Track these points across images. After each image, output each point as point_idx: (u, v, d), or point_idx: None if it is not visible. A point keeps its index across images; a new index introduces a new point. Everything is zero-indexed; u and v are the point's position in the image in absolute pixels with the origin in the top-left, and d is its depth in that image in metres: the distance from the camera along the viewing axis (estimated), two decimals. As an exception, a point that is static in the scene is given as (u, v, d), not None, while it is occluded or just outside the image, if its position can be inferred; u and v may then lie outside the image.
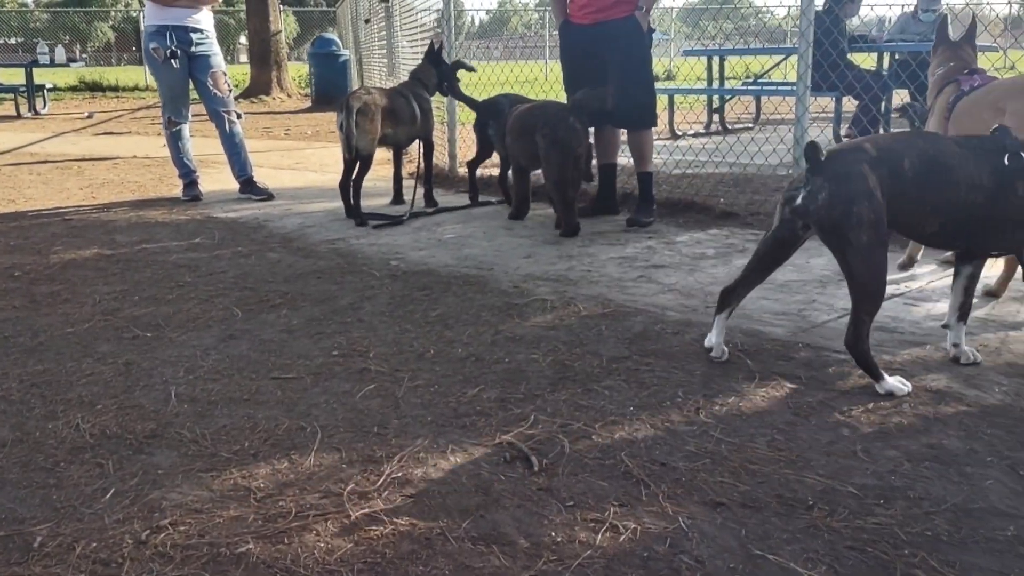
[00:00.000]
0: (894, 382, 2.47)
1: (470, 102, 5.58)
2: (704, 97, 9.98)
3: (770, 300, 3.39)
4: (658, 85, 11.50)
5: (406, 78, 5.77)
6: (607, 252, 4.23)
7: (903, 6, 9.44)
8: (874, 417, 2.33)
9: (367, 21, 11.37)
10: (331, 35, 16.89)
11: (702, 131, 9.60)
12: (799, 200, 2.50)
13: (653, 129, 4.91)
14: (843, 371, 2.65)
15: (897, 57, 8.16)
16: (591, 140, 5.07)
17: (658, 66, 19.87)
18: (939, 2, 8.75)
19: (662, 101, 8.78)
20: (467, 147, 7.62)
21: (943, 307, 3.16)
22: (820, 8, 7.65)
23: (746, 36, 12.62)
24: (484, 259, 4.16)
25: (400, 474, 2.10)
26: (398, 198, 5.76)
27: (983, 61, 6.15)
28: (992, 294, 3.33)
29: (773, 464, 2.10)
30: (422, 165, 5.73)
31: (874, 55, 8.79)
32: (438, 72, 5.61)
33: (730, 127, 9.78)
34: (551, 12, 5.34)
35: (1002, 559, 1.70)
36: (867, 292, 2.48)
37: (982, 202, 2.49)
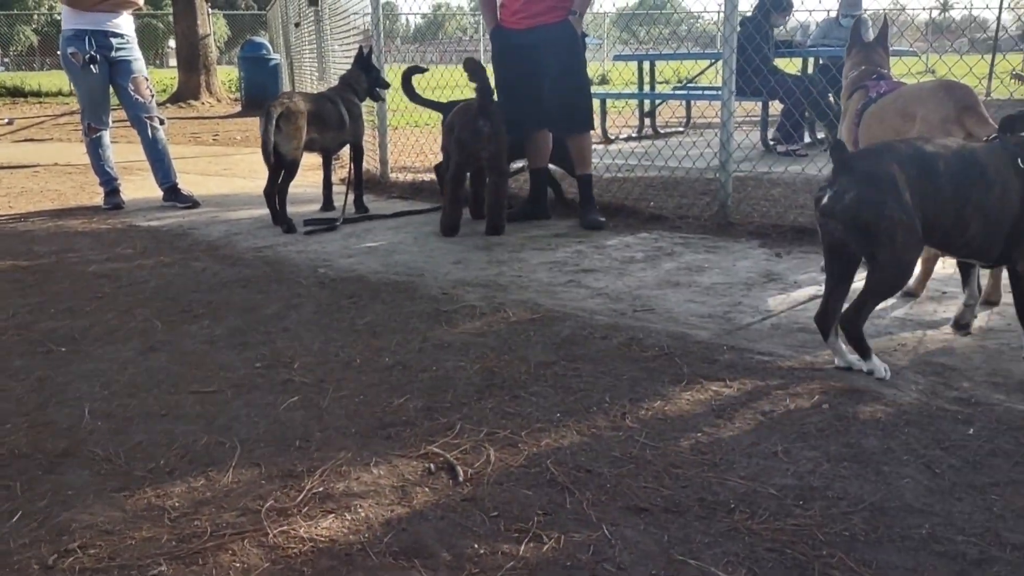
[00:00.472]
0: (878, 362, 2.55)
1: (435, 105, 5.48)
2: (636, 101, 10.07)
3: (696, 303, 3.42)
4: (591, 90, 11.58)
5: (336, 82, 5.70)
6: (537, 257, 4.23)
7: (827, 11, 9.67)
8: (795, 418, 2.36)
9: (297, 25, 11.22)
10: (261, 39, 16.62)
11: (634, 135, 9.69)
12: (825, 200, 2.52)
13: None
14: (766, 373, 2.68)
15: (821, 61, 8.34)
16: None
17: (592, 71, 20.06)
18: (860, 7, 8.98)
19: (595, 106, 8.85)
20: (398, 152, 7.58)
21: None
22: (747, 15, 7.81)
23: (677, 41, 12.79)
24: (414, 265, 4.13)
25: (321, 489, 2.05)
26: (328, 204, 5.69)
27: (903, 66, 6.34)
28: (910, 293, 3.41)
29: (696, 467, 2.11)
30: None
31: (800, 60, 8.97)
32: (368, 77, 5.55)
33: (661, 131, 9.89)
34: (482, 17, 5.32)
35: (916, 557, 1.73)
36: (886, 286, 2.56)
37: (1018, 205, 2.53)
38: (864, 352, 2.58)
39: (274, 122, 4.83)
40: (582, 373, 2.72)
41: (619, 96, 9.86)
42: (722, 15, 4.74)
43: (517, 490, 2.03)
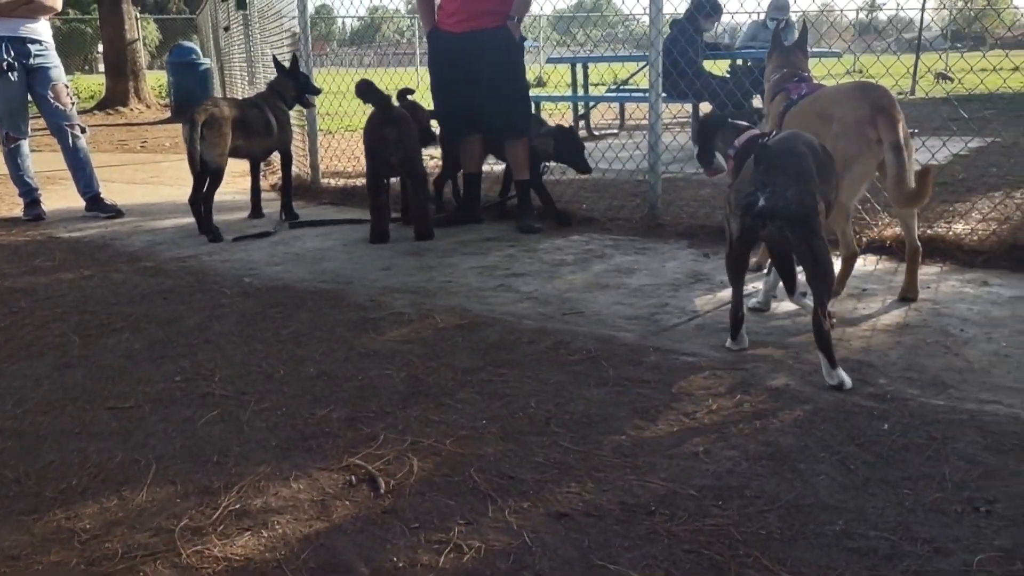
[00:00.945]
0: (843, 373, 2.57)
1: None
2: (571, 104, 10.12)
3: (624, 305, 3.44)
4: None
5: (264, 89, 5.61)
6: (468, 262, 4.22)
7: (751, 14, 9.84)
8: (716, 418, 2.39)
9: (226, 29, 11.03)
10: (190, 43, 16.30)
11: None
12: (762, 203, 2.56)
13: None
14: (690, 373, 2.71)
15: (748, 63, 8.48)
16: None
17: (529, 73, 20.11)
18: (786, 11, 9.16)
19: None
20: (332, 157, 7.50)
21: (787, 307, 3.29)
22: (676, 18, 7.90)
23: (614, 43, 12.89)
24: (342, 272, 4.08)
25: (238, 505, 2.01)
26: (256, 211, 5.59)
27: (823, 67, 6.47)
28: (905, 298, 3.49)
29: (618, 470, 2.12)
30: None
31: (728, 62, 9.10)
32: (295, 84, 5.46)
33: (597, 133, 9.96)
34: (419, 19, 5.29)
35: (829, 553, 1.76)
36: (828, 277, 2.64)
37: None
38: (832, 362, 2.57)
39: (198, 129, 4.74)
40: (508, 379, 2.72)
41: (553, 99, 9.90)
42: (647, 18, 4.77)
43: (439, 500, 2.01)
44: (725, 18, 8.17)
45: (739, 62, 8.49)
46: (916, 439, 2.21)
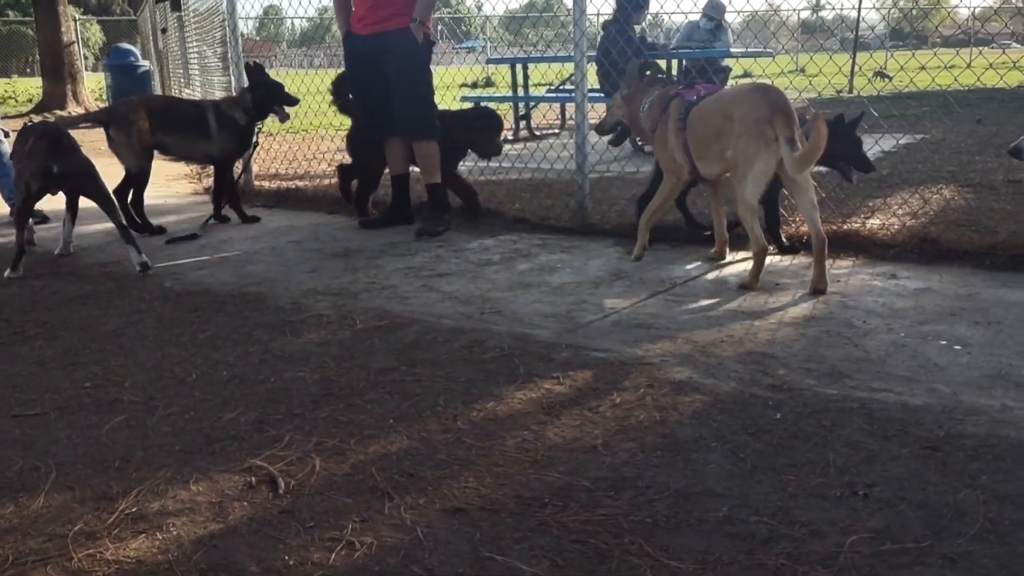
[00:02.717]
0: None
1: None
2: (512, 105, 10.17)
3: (543, 303, 3.49)
4: (471, 93, 11.60)
5: (203, 87, 5.52)
6: (395, 263, 4.23)
7: (686, 14, 9.98)
8: (619, 412, 2.44)
9: (163, 31, 10.91)
10: (129, 45, 16.05)
11: (509, 138, 9.78)
12: None
13: None
14: (599, 369, 2.76)
15: (684, 63, 8.60)
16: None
17: (479, 73, 20.14)
18: (722, 11, 9.32)
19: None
20: (269, 160, 7.45)
21: (700, 303, 3.37)
22: (609, 18, 7.99)
23: (567, 43, 12.94)
24: (266, 275, 4.07)
25: (135, 509, 2.01)
26: (216, 215, 5.44)
27: (759, 67, 6.56)
28: (746, 286, 3.56)
29: (518, 465, 2.16)
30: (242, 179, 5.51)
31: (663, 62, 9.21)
32: (254, 95, 5.17)
33: (538, 133, 10.02)
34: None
35: (710, 539, 1.81)
36: None
37: None
38: None
39: (111, 131, 4.70)
40: (421, 378, 2.74)
41: (492, 99, 9.94)
42: (571, 19, 4.83)
43: (337, 498, 2.03)
44: (661, 18, 8.26)
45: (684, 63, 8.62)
46: (806, 427, 2.28)
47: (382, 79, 4.77)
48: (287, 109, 5.37)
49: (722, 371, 2.69)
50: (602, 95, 7.06)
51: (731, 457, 2.15)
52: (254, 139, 5.46)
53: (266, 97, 5.23)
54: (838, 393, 2.48)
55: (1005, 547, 1.72)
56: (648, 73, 4.23)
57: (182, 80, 9.29)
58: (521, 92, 10.16)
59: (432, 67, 5.00)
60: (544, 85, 11.30)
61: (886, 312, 3.20)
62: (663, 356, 2.85)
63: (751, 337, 3.00)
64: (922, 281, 3.57)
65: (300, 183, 6.64)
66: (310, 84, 6.57)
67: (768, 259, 3.67)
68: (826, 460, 2.10)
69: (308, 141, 7.95)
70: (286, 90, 5.35)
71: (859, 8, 17.15)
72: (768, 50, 8.40)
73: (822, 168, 3.89)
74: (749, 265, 3.62)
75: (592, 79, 6.79)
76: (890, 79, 14.09)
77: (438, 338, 3.10)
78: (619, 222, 4.83)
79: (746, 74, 16.39)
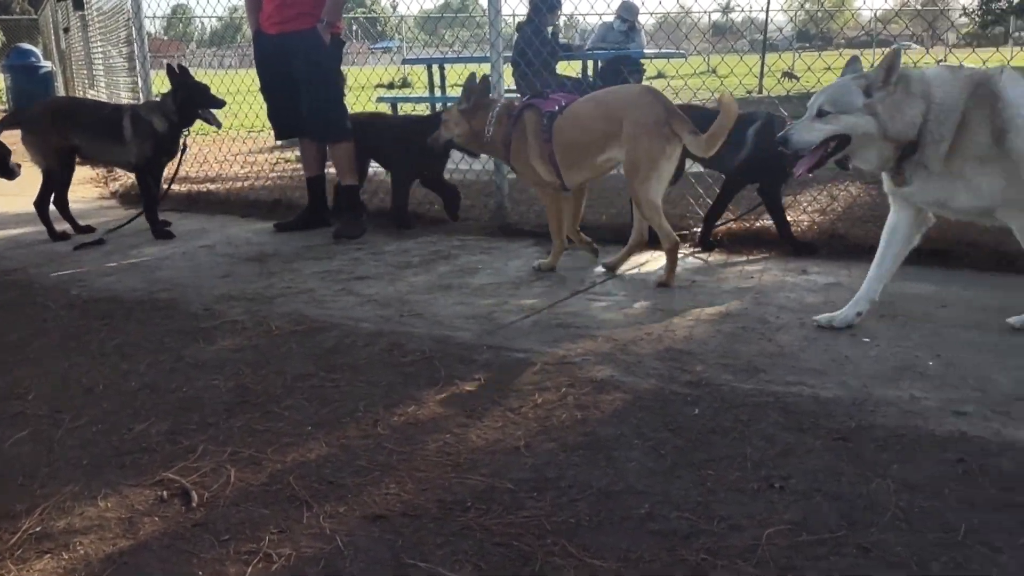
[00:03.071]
0: None
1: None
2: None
3: (464, 305, 3.47)
4: (387, 94, 11.47)
5: (108, 88, 5.30)
6: (312, 267, 4.16)
7: (600, 15, 10.09)
8: (540, 412, 2.44)
9: (66, 30, 10.52)
10: (29, 46, 15.43)
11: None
12: None
13: None
14: (520, 369, 2.75)
15: (600, 64, 8.69)
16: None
17: (395, 74, 19.95)
18: (635, 12, 9.45)
19: (387, 109, 8.82)
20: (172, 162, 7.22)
21: (620, 301, 3.40)
22: (523, 20, 8.02)
23: (483, 44, 12.91)
24: (177, 281, 3.95)
25: (39, 528, 1.92)
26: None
27: (672, 67, 6.65)
28: (663, 284, 3.61)
29: (440, 469, 2.14)
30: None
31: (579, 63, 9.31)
32: (175, 98, 4.85)
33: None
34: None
35: (632, 536, 1.82)
36: None
37: None
38: None
39: (22, 135, 4.51)
40: (339, 383, 2.70)
41: (409, 100, 9.87)
42: (523, 17, 4.84)
43: (254, 509, 1.98)
44: (575, 19, 8.33)
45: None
46: (724, 422, 2.32)
47: (290, 79, 4.69)
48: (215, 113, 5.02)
49: (642, 369, 2.72)
50: (519, 96, 7.08)
51: (652, 454, 2.17)
52: (180, 146, 5.06)
53: (189, 100, 4.88)
54: (754, 388, 2.53)
55: (915, 535, 1.77)
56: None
57: (87, 81, 8.95)
58: (438, 93, 10.11)
59: (346, 67, 4.94)
60: (462, 86, 11.32)
61: (798, 307, 3.28)
62: (584, 355, 2.86)
63: (670, 334, 3.04)
64: (832, 276, 3.67)
65: (212, 186, 6.48)
66: (221, 84, 6.40)
67: (682, 256, 3.73)
68: (743, 454, 2.14)
69: (220, 143, 7.76)
70: (212, 92, 5.01)
71: (767, 10, 17.64)
72: (680, 51, 8.55)
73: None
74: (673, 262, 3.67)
75: (508, 79, 6.81)
76: (798, 79, 14.50)
77: (357, 342, 3.05)
78: (538, 222, 4.83)
79: (660, 75, 16.67)
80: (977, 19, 26.69)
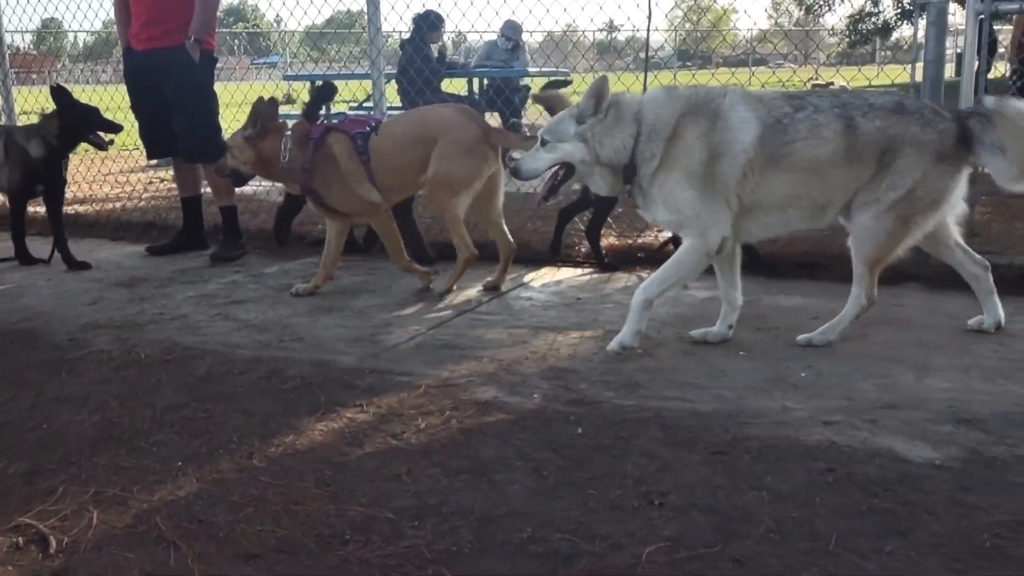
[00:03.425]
0: None
1: None
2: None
3: (346, 328, 3.40)
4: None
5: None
6: (185, 291, 4.00)
7: (481, 34, 10.17)
8: (423, 437, 2.40)
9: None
10: None
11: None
12: None
13: None
14: (403, 393, 2.71)
15: (486, 82, 8.75)
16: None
17: (278, 90, 19.54)
18: (519, 32, 9.54)
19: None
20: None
21: (505, 320, 3.40)
22: (406, 37, 8.00)
23: (366, 60, 12.77)
24: (40, 309, 3.74)
25: None
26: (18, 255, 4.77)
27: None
28: (494, 287, 3.68)
29: (318, 501, 2.08)
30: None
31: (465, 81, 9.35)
32: (62, 122, 4.46)
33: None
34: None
35: (513, 561, 1.81)
36: None
37: None
38: None
39: None
40: (213, 413, 2.59)
41: (292, 116, 9.67)
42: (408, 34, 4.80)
43: (117, 553, 1.88)
44: (463, 36, 8.38)
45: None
46: (605, 440, 2.33)
47: (161, 97, 4.52)
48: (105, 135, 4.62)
49: (526, 388, 2.71)
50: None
51: (534, 475, 2.16)
52: (62, 173, 4.63)
53: (76, 124, 4.48)
54: (634, 404, 2.56)
55: (787, 545, 1.82)
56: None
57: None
58: (323, 110, 9.96)
59: (229, 84, 4.80)
60: (348, 102, 11.16)
61: (677, 322, 3.34)
62: (468, 376, 2.84)
63: (554, 353, 3.05)
64: (709, 291, 3.75)
65: (81, 208, 6.18)
66: (94, 100, 6.11)
67: (570, 273, 3.76)
68: (624, 471, 2.15)
69: (90, 162, 7.42)
70: (103, 114, 4.65)
71: (648, 30, 18.14)
72: (563, 70, 8.69)
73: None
74: (554, 278, 3.70)
75: (392, 96, 6.77)
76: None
77: (233, 369, 2.95)
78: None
79: (546, 93, 16.88)
80: (845, 39, 28.19)
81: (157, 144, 4.75)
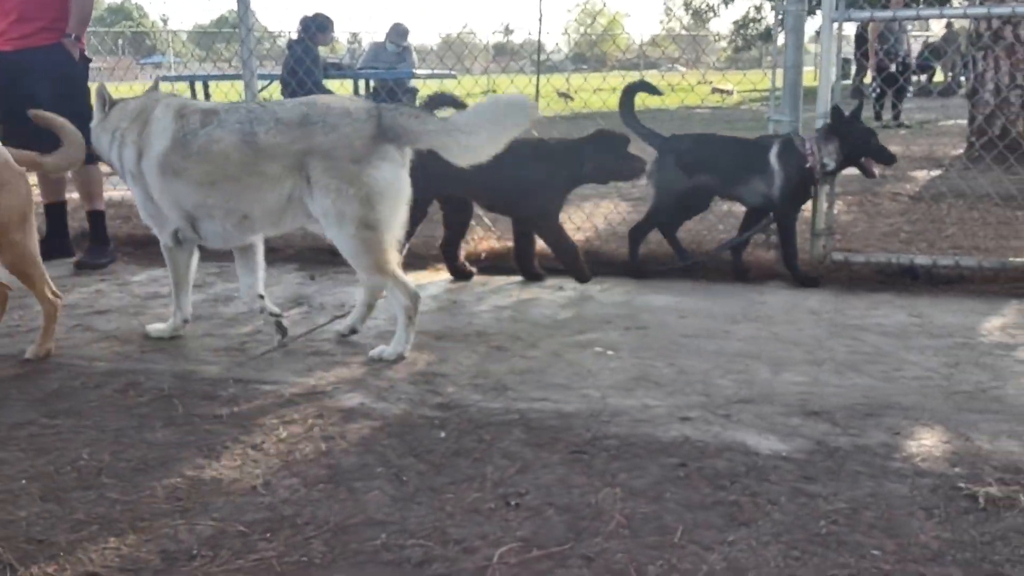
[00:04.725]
0: None
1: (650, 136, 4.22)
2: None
3: (214, 336, 3.31)
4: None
5: None
6: (46, 301, 3.81)
7: (370, 33, 10.09)
8: (283, 447, 2.35)
9: None
10: None
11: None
12: None
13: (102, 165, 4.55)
14: (267, 403, 2.65)
15: (372, 84, 8.67)
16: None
17: (165, 89, 18.94)
18: (406, 36, 9.49)
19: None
20: None
21: (379, 325, 3.36)
22: (294, 38, 7.86)
23: (263, 60, 12.50)
24: None
25: None
26: None
27: (464, 87, 6.71)
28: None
29: (167, 516, 2.01)
30: None
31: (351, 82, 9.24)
32: None
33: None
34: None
35: (364, 570, 1.79)
36: None
37: None
38: None
39: None
40: (62, 430, 2.48)
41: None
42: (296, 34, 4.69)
43: (-57, 582, 1.77)
44: (344, 38, 8.28)
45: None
46: (468, 443, 2.33)
47: (30, 100, 4.29)
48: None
49: (393, 394, 2.69)
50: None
51: (394, 482, 2.14)
52: None
53: None
54: (501, 406, 2.57)
55: (636, 540, 1.85)
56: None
57: None
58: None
59: (111, 84, 4.61)
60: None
61: (550, 323, 3.38)
62: (336, 383, 2.80)
63: (425, 357, 3.03)
64: (582, 291, 3.82)
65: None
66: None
67: (446, 276, 3.75)
68: (483, 474, 2.16)
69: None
70: None
71: (540, 32, 18.34)
72: (452, 72, 8.69)
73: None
74: (431, 280, 3.67)
75: (278, 98, 6.64)
76: (572, 99, 15.13)
77: (88, 383, 2.83)
78: (302, 245, 4.73)
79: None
80: (732, 44, 29.13)
81: (23, 148, 4.51)
